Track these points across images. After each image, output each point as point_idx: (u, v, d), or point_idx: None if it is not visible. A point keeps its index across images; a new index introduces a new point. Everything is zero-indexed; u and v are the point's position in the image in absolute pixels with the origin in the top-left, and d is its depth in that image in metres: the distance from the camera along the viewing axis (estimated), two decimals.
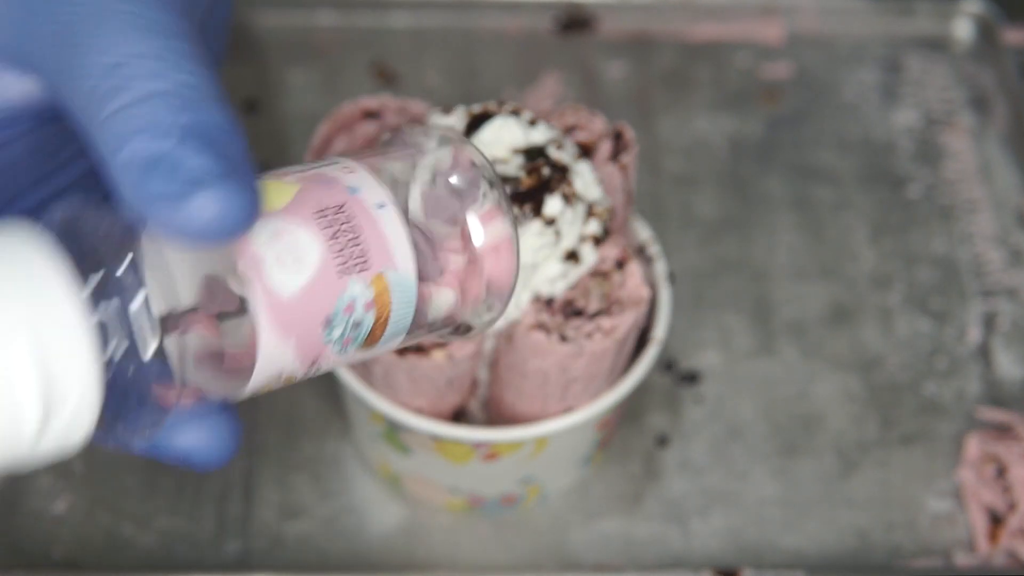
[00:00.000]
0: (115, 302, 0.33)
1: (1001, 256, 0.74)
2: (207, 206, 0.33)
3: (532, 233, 0.52)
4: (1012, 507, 0.63)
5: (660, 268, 0.61)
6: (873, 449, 0.66)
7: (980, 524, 0.63)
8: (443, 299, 0.40)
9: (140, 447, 0.38)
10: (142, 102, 0.35)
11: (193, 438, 0.40)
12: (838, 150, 0.78)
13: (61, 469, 0.64)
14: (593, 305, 0.55)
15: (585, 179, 0.54)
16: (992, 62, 0.82)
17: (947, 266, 0.73)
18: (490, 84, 0.80)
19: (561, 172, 0.52)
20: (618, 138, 0.58)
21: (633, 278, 0.55)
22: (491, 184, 0.40)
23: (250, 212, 0.34)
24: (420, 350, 0.53)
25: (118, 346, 0.33)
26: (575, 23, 0.84)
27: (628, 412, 0.67)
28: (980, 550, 0.63)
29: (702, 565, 0.62)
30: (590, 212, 0.54)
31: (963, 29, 0.84)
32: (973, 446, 0.65)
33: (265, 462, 0.65)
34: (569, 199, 0.52)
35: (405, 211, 0.39)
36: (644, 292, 0.55)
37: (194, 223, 0.33)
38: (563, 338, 0.53)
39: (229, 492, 0.64)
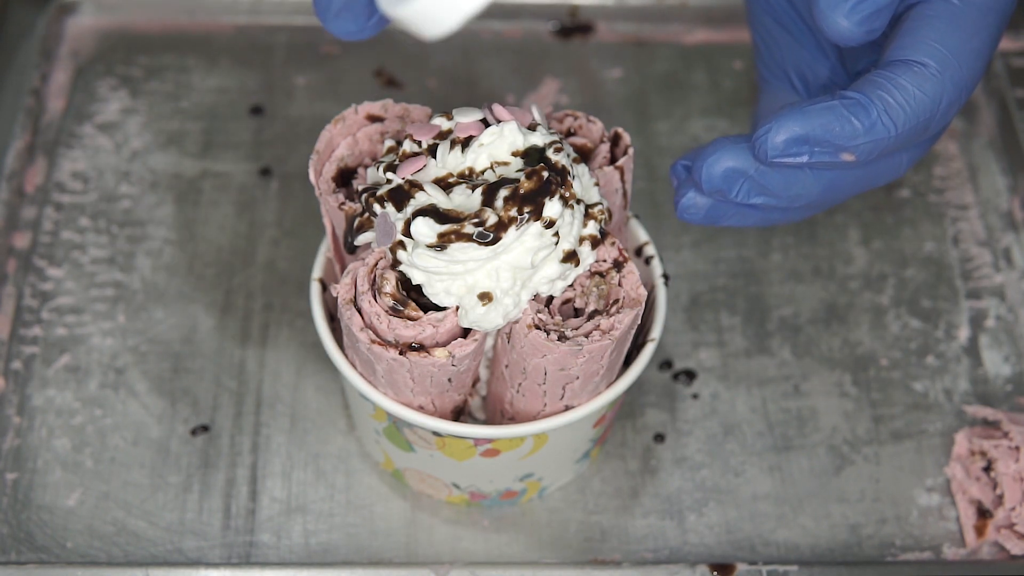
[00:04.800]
0: None
1: (989, 257, 0.74)
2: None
3: (532, 235, 0.52)
4: (999, 501, 0.64)
5: (657, 268, 0.61)
6: (864, 445, 0.67)
7: (968, 518, 0.64)
8: None
9: None
10: None
11: None
12: None
13: (71, 464, 0.65)
14: (591, 305, 0.56)
15: (583, 182, 0.55)
16: None
17: (937, 267, 0.74)
18: (491, 89, 0.81)
19: (560, 175, 0.53)
20: (615, 142, 0.59)
21: (630, 278, 0.56)
22: None
23: None
24: (422, 349, 0.54)
25: None
26: (574, 28, 0.85)
27: (625, 409, 0.68)
28: (968, 543, 0.63)
29: (698, 560, 0.63)
30: (588, 214, 0.55)
31: None
32: (962, 442, 0.66)
33: (270, 458, 0.66)
34: (568, 202, 0.53)
35: None
36: (641, 292, 0.55)
37: None
38: (562, 337, 0.54)
39: (235, 487, 0.65)
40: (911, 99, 0.51)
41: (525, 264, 0.53)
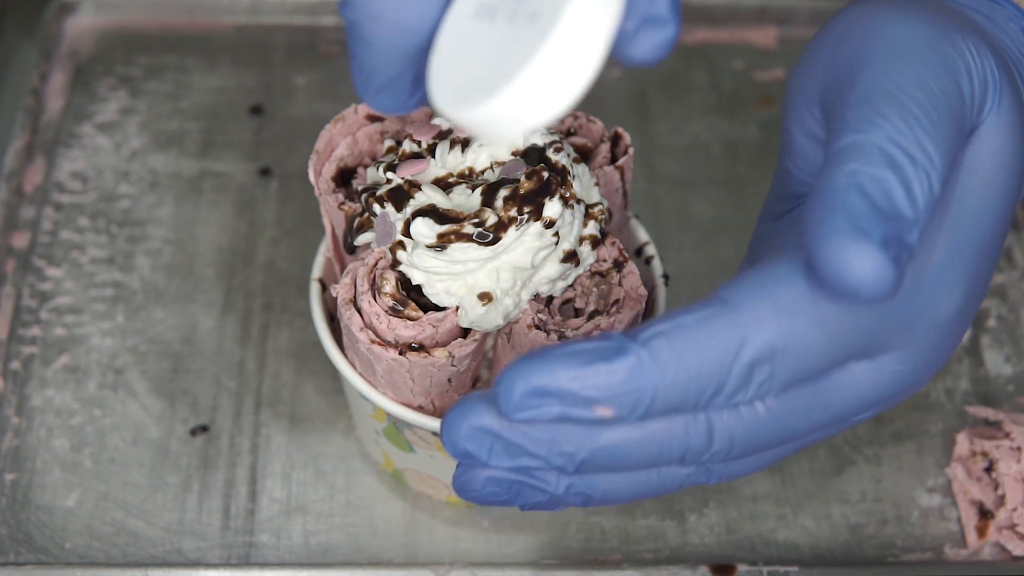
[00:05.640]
0: None
1: None
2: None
3: (532, 235, 0.52)
4: (1001, 502, 0.63)
5: (657, 269, 0.61)
6: (865, 446, 0.67)
7: (969, 519, 0.64)
8: None
9: None
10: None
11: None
12: None
13: (70, 465, 0.65)
14: (591, 305, 0.56)
15: (583, 182, 0.55)
16: None
17: None
18: None
19: (560, 175, 0.53)
20: (616, 142, 0.59)
21: (631, 278, 0.56)
22: None
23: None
24: (422, 349, 0.54)
25: None
26: None
27: None
28: (970, 544, 0.63)
29: (698, 560, 0.63)
30: (588, 214, 0.55)
31: None
32: (963, 443, 0.66)
33: (270, 459, 0.66)
34: (568, 202, 0.53)
35: None
36: (642, 292, 0.55)
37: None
38: (562, 337, 0.54)
39: (234, 488, 0.65)
40: (690, 341, 0.42)
41: (525, 264, 0.53)
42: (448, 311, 0.54)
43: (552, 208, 0.52)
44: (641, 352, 0.42)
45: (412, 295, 0.54)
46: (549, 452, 0.44)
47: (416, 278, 0.53)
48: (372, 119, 0.59)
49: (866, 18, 0.47)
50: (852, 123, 0.43)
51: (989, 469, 0.65)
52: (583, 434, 0.44)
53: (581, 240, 0.55)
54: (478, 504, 0.48)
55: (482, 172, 0.54)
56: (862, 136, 0.42)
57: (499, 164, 0.54)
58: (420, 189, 0.53)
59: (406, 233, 0.53)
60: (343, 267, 0.60)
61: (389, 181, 0.54)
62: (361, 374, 0.57)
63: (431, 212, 0.52)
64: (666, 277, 0.61)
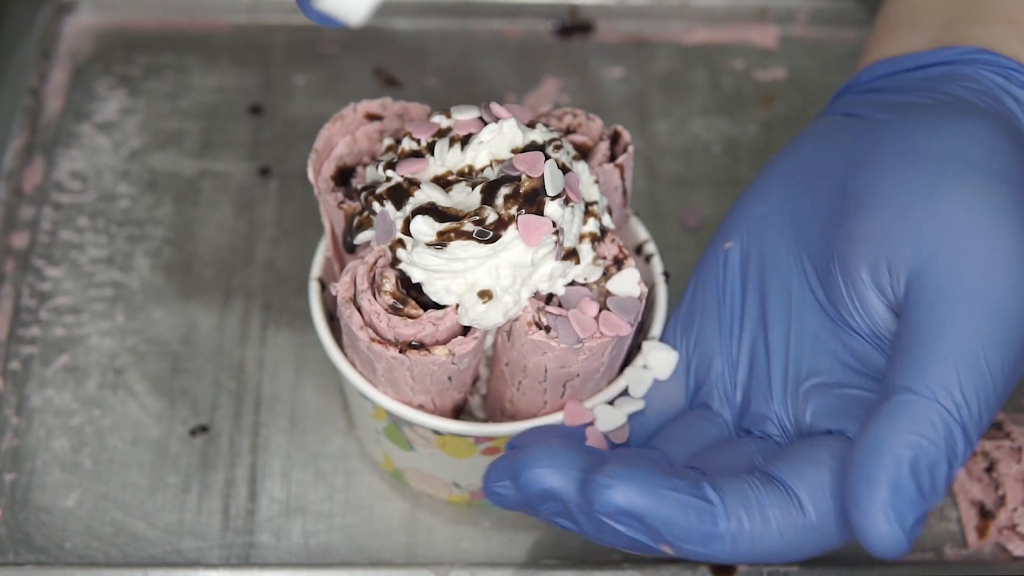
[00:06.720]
0: None
1: None
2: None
3: None
4: (1001, 502, 0.63)
5: (657, 266, 0.61)
6: None
7: (970, 519, 0.64)
8: None
9: None
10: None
11: None
12: None
13: (70, 465, 0.65)
14: None
15: (583, 180, 0.55)
16: None
17: None
18: (490, 87, 0.81)
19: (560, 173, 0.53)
20: (615, 140, 0.59)
21: (631, 276, 0.56)
22: None
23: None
24: (422, 347, 0.54)
25: None
26: (574, 27, 0.85)
27: None
28: (970, 544, 0.63)
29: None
30: (588, 212, 0.55)
31: None
32: None
33: (269, 459, 0.66)
34: (568, 200, 0.53)
35: None
36: (642, 289, 0.55)
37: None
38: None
39: (234, 488, 0.64)
40: (766, 535, 0.48)
41: (525, 262, 0.53)
42: (448, 309, 0.53)
43: (552, 206, 0.52)
44: (727, 532, 0.47)
45: (412, 293, 0.54)
46: (591, 532, 0.50)
47: (416, 276, 0.53)
48: (371, 118, 0.59)
49: (947, 204, 0.49)
50: (929, 376, 0.46)
51: (989, 469, 0.65)
52: (627, 537, 0.49)
53: (581, 238, 0.55)
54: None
55: (482, 170, 0.54)
56: (932, 405, 0.46)
57: (499, 162, 0.54)
58: (419, 187, 0.53)
59: (406, 231, 0.53)
60: (343, 266, 0.60)
61: (388, 179, 0.54)
62: (361, 373, 0.57)
63: (431, 210, 0.52)
64: (666, 275, 0.61)
